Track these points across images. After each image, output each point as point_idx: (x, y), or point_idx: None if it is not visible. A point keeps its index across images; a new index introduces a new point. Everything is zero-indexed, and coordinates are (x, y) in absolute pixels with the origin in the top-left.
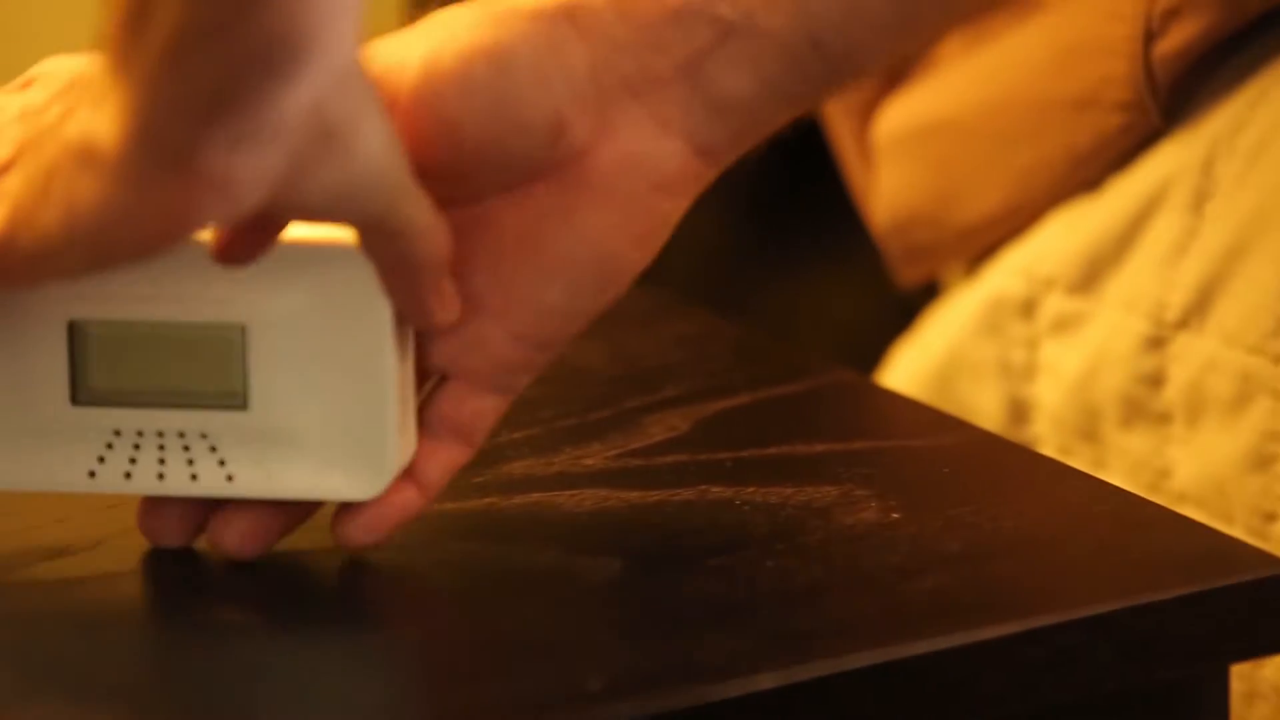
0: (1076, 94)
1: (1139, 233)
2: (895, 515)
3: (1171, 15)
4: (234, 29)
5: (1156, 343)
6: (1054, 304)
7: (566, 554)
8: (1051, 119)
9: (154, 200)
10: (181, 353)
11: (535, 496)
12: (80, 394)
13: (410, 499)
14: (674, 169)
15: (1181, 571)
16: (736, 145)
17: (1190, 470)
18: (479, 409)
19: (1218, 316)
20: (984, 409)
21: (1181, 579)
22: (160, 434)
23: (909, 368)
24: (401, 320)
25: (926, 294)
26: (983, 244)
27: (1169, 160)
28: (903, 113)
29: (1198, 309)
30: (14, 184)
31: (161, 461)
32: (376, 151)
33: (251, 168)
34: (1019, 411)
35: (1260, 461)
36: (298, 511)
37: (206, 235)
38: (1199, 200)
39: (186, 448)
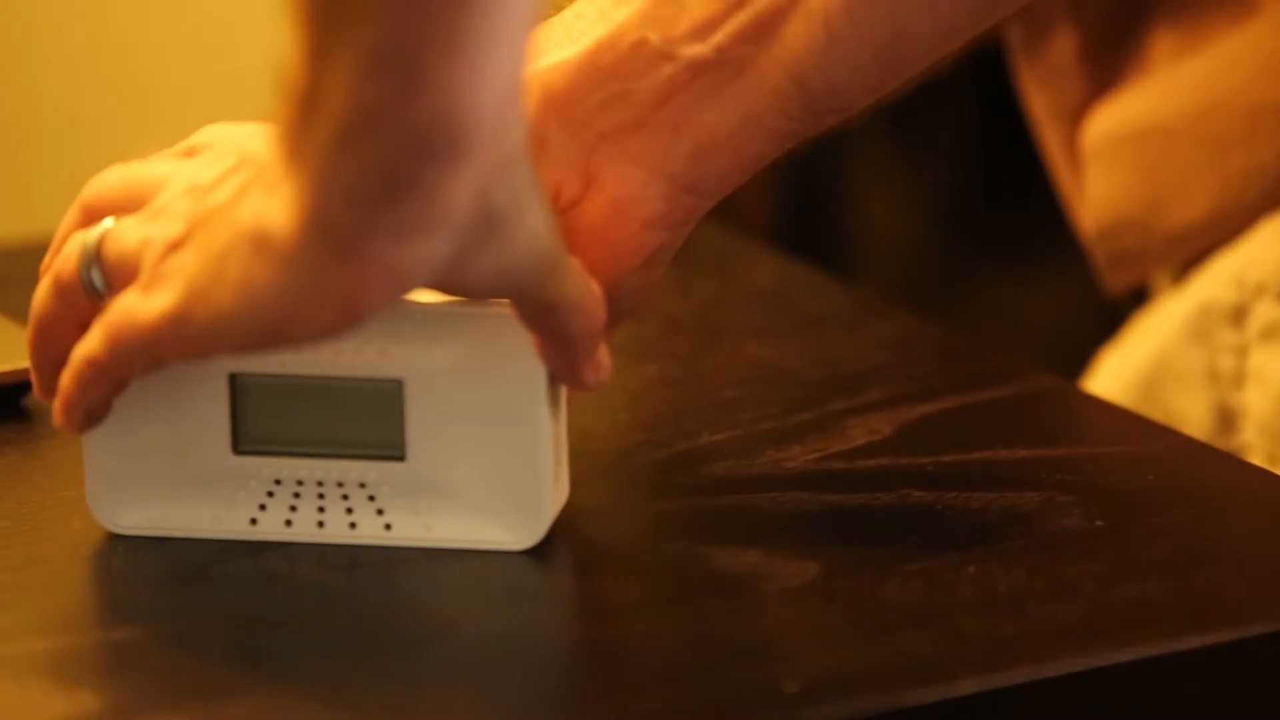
0: None
1: None
2: (1099, 522)
3: None
4: (399, 114)
5: None
6: (1264, 311)
7: (766, 556)
8: (1264, 125)
9: (325, 286)
10: (341, 405)
11: (736, 498)
12: (242, 444)
13: None
14: (662, 209)
15: None
16: (725, 180)
17: None
18: None
19: None
20: (1191, 416)
21: None
22: (320, 483)
23: (1115, 374)
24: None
25: (1134, 300)
26: (1192, 250)
27: None
28: (1113, 118)
29: None
30: (188, 262)
31: (321, 510)
32: (539, 233)
33: (419, 256)
34: (1227, 419)
35: None
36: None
37: None
38: None
39: (345, 497)
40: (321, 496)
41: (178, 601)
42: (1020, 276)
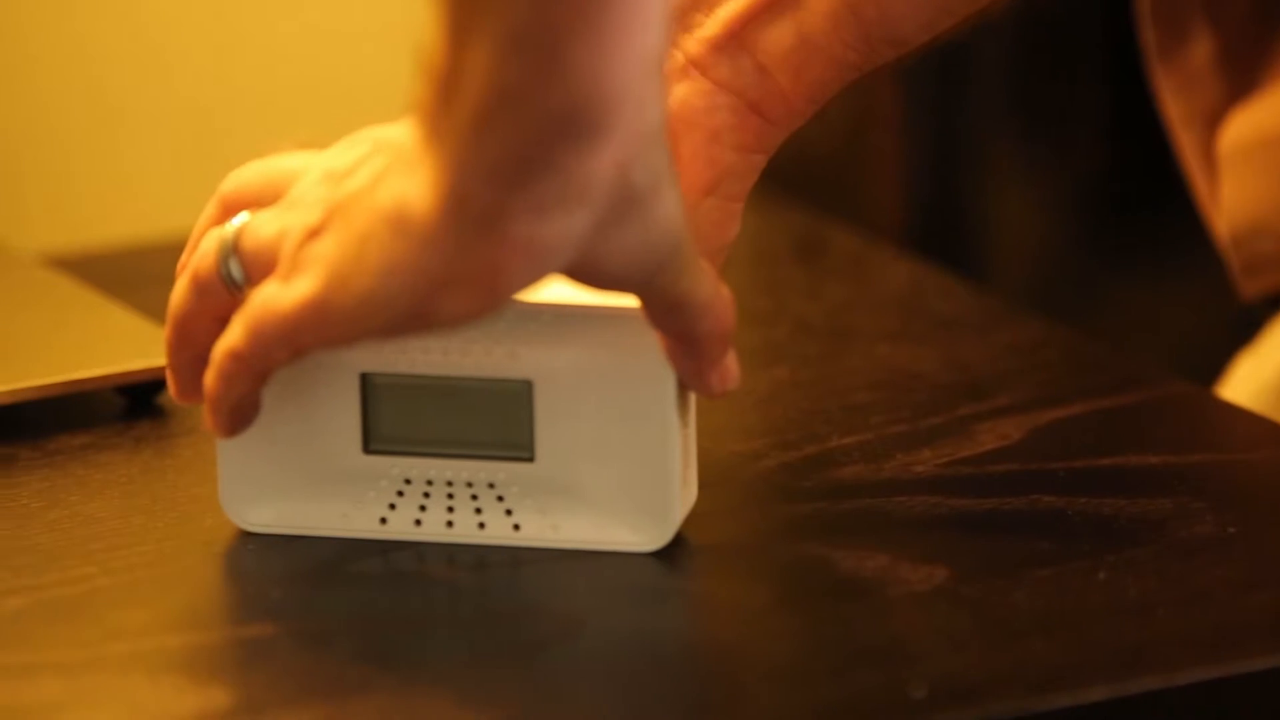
0: None
1: None
2: (1231, 530)
3: None
4: (539, 94)
5: None
6: None
7: (894, 560)
8: None
9: (466, 265)
10: (470, 406)
11: (864, 502)
12: (372, 443)
13: None
14: (730, 121)
15: None
16: (788, 105)
17: None
18: None
19: None
20: None
21: None
22: (449, 483)
23: (1249, 380)
24: None
25: (1269, 306)
26: None
27: None
28: (1250, 123)
29: None
30: (328, 248)
31: (450, 510)
32: (672, 218)
33: (558, 233)
34: None
35: None
36: None
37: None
38: None
39: (474, 497)
40: (451, 497)
41: (308, 599)
42: (1153, 281)
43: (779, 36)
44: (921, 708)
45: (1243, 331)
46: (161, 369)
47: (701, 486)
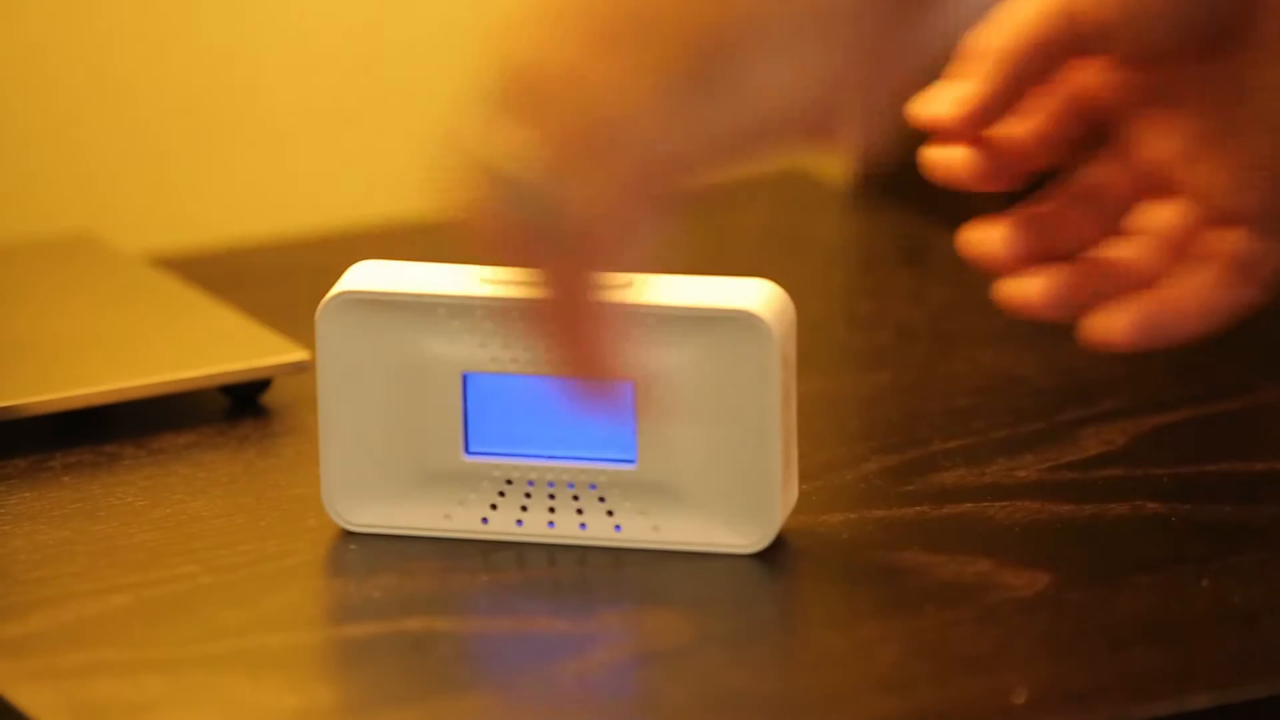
0: None
1: None
2: None
3: None
4: None
5: None
6: None
7: (996, 566)
8: None
9: None
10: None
11: (966, 506)
12: (474, 444)
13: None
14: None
15: None
16: None
17: None
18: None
19: None
20: None
21: None
22: (551, 484)
23: None
24: (786, 375)
25: None
26: None
27: None
28: None
29: None
30: None
31: (551, 510)
32: None
33: None
34: None
35: None
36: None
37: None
38: None
39: (576, 498)
40: (552, 498)
41: (409, 600)
42: None
43: None
44: (1023, 715)
45: None
46: (264, 369)
47: (802, 489)
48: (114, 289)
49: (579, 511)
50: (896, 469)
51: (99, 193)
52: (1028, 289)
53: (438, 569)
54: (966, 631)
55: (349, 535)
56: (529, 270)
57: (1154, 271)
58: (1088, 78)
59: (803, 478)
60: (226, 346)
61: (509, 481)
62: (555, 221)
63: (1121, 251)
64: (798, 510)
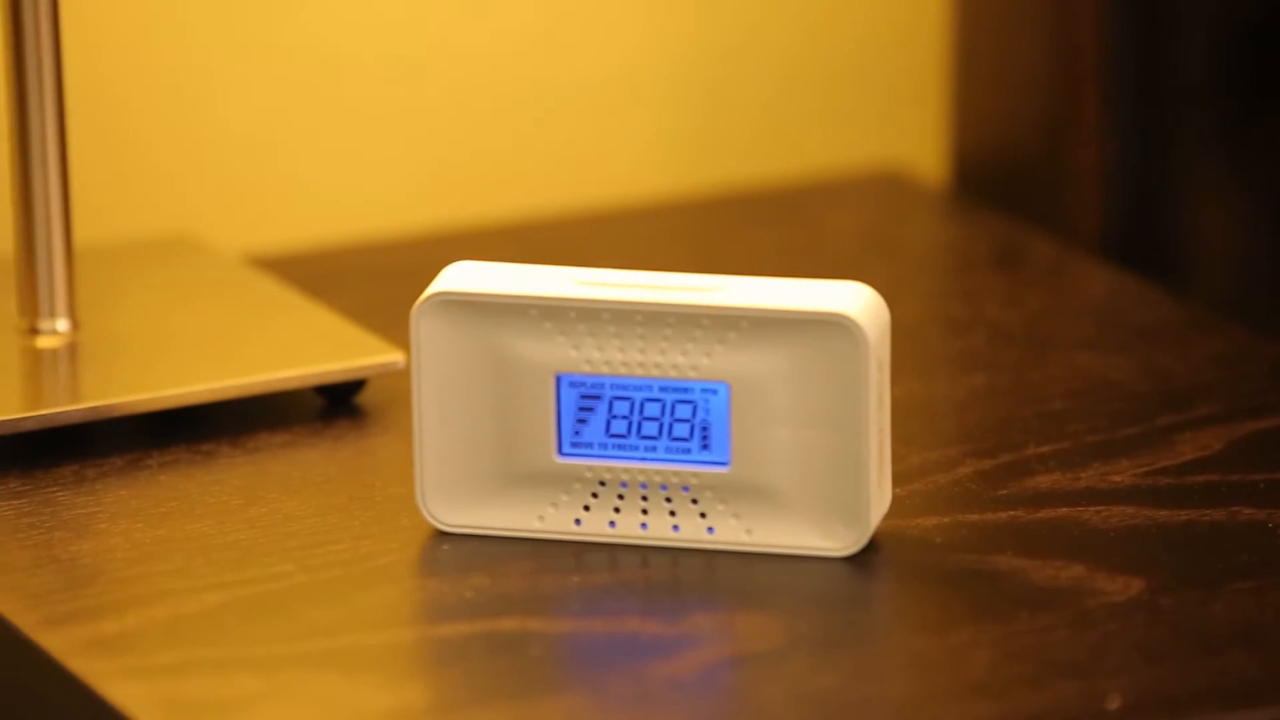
0: None
1: None
2: None
3: None
4: None
5: None
6: None
7: (1090, 570)
8: None
9: None
10: (666, 409)
11: (1061, 511)
12: (567, 446)
13: None
14: None
15: None
16: None
17: None
18: None
19: None
20: None
21: None
22: (644, 486)
23: None
24: (880, 378)
25: None
26: None
27: None
28: None
29: None
30: None
31: (644, 512)
32: None
33: None
34: None
35: None
36: None
37: (689, 299)
38: None
39: (669, 500)
40: (645, 500)
41: (501, 600)
42: None
43: None
44: None
45: None
46: (360, 368)
47: (895, 493)
48: (211, 289)
49: (672, 513)
50: (990, 473)
51: (197, 193)
52: None
53: (530, 569)
54: (1060, 636)
55: (442, 535)
56: None
57: None
58: None
59: (896, 481)
60: (322, 347)
61: (602, 483)
62: None
63: None
64: (891, 514)
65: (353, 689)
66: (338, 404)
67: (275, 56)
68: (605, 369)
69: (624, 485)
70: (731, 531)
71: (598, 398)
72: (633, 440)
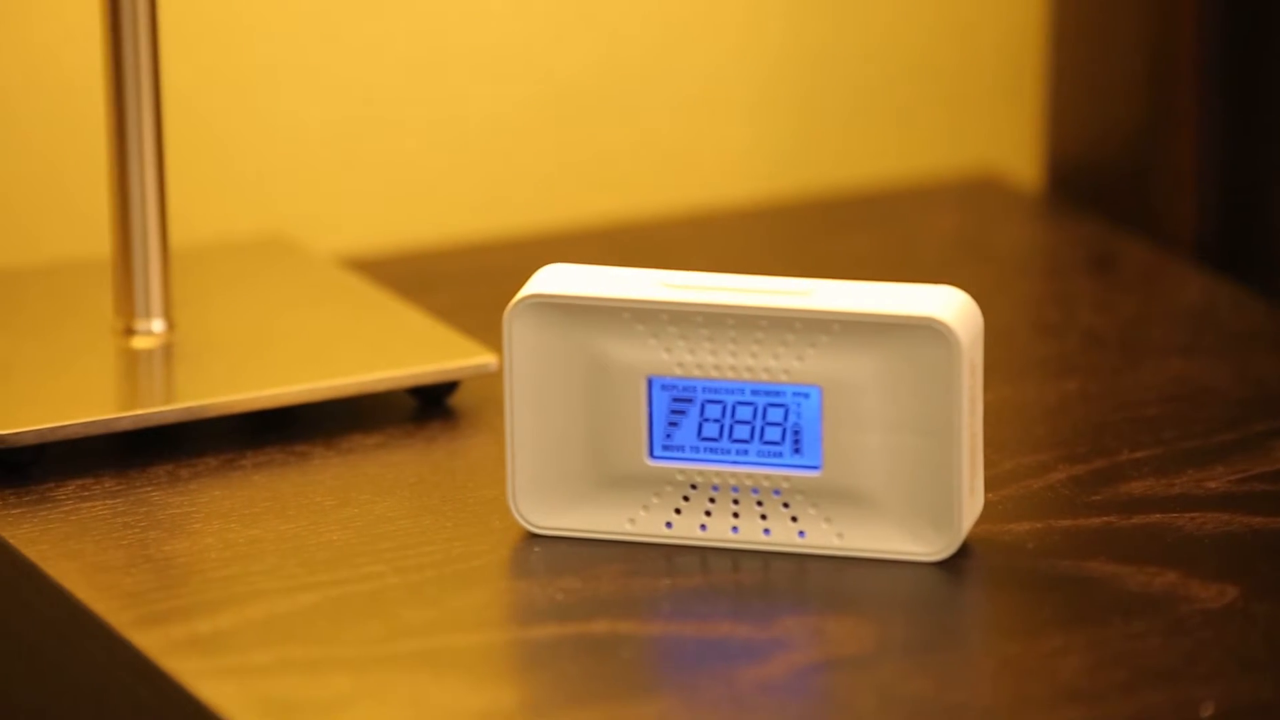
0: None
1: None
2: None
3: None
4: None
5: None
6: None
7: (1184, 577)
8: None
9: None
10: (758, 412)
11: (1154, 517)
12: (658, 449)
13: None
14: None
15: None
16: None
17: None
18: None
19: None
20: None
21: None
22: (735, 490)
23: None
24: (972, 383)
25: None
26: None
27: None
28: None
29: None
30: None
31: (735, 515)
32: None
33: None
34: None
35: None
36: None
37: (781, 303)
38: None
39: (760, 503)
40: (736, 503)
41: (592, 602)
42: None
43: None
44: None
45: None
46: (453, 370)
47: (987, 498)
48: (305, 290)
49: (763, 517)
50: (1083, 478)
51: (292, 194)
52: None
53: (621, 572)
54: (1154, 643)
55: (533, 538)
56: None
57: None
58: None
59: (988, 486)
60: (415, 348)
61: (693, 486)
62: None
63: None
64: (983, 519)
65: (443, 690)
66: (431, 405)
67: (371, 57)
68: (697, 372)
69: (715, 489)
70: (823, 535)
71: (690, 401)
72: (724, 444)
